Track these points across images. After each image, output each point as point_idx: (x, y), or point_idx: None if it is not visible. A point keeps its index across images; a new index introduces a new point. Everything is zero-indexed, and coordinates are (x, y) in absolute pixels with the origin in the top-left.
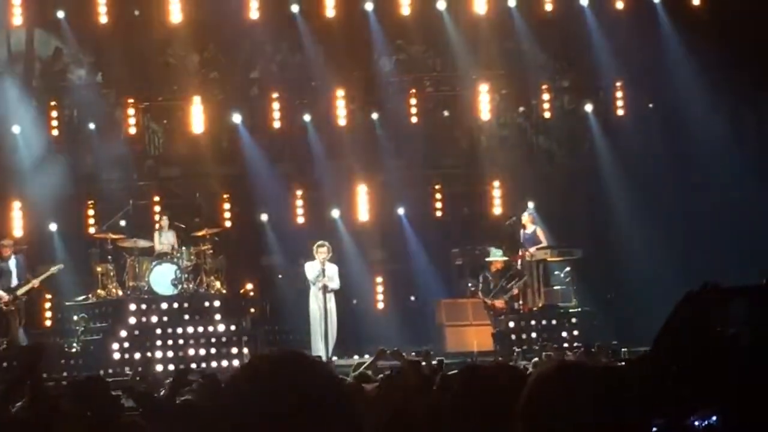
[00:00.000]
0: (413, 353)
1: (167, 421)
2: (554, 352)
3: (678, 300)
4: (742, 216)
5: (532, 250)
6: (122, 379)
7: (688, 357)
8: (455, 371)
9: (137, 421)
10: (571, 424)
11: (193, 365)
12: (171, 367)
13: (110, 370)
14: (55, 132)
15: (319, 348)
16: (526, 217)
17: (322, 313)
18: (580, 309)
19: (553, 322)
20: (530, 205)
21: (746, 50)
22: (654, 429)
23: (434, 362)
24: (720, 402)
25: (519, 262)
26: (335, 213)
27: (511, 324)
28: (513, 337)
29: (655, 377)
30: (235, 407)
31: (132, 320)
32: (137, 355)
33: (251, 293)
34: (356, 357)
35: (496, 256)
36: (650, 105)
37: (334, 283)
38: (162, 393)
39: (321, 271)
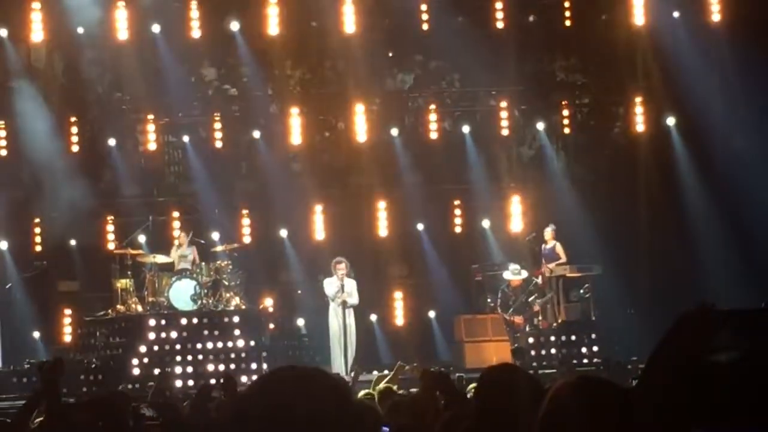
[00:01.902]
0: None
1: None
2: (574, 368)
3: (674, 320)
4: (764, 232)
5: (551, 265)
6: (142, 395)
7: (681, 380)
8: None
9: None
10: None
11: (213, 381)
12: (190, 382)
13: (130, 386)
14: (74, 147)
15: (338, 364)
16: (547, 233)
17: (341, 328)
18: (599, 325)
19: (573, 338)
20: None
21: (766, 65)
22: None
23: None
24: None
25: (539, 277)
26: (354, 228)
27: (531, 340)
28: (533, 353)
29: (647, 400)
30: (247, 422)
31: (151, 336)
32: (156, 371)
33: (270, 309)
34: (375, 372)
35: (515, 272)
36: (670, 120)
37: (353, 299)
38: (185, 405)
39: (340, 287)
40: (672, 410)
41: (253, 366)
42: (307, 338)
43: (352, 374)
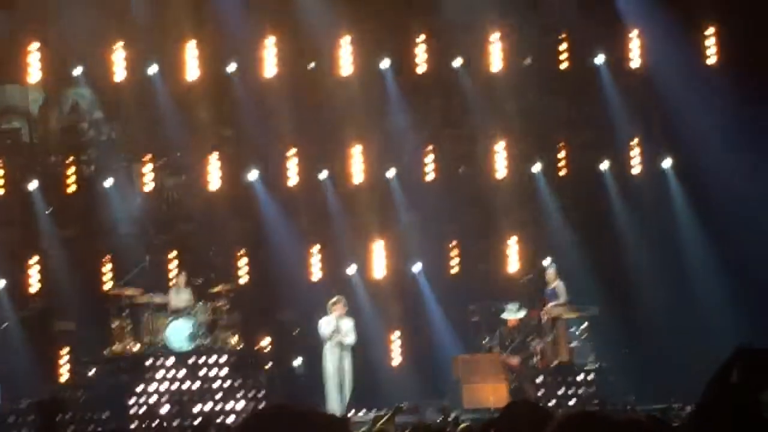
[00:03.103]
0: (430, 408)
1: None
2: (571, 408)
3: (729, 356)
4: (762, 271)
5: (548, 306)
6: None
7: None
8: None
9: None
10: None
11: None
12: (187, 422)
13: (126, 425)
14: (72, 187)
15: (334, 405)
16: (550, 273)
17: (337, 369)
18: (597, 365)
19: (570, 378)
20: (547, 261)
21: (763, 105)
22: None
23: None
24: None
25: (537, 318)
26: (351, 269)
27: (529, 380)
28: (530, 393)
29: None
30: None
31: (148, 375)
32: (153, 410)
33: (267, 349)
34: (374, 411)
35: (512, 313)
36: (666, 162)
37: (350, 338)
38: None
39: (336, 326)
40: None
41: (250, 406)
42: (304, 378)
43: (350, 414)
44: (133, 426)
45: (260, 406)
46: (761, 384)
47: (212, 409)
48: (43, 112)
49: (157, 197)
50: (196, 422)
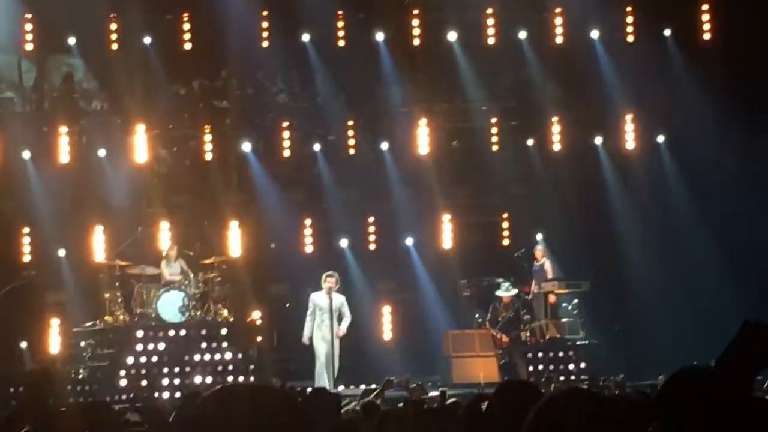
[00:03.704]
0: (417, 383)
1: None
2: (561, 384)
3: (738, 329)
4: (752, 249)
5: (540, 282)
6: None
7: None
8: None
9: None
10: None
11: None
12: (177, 394)
13: (117, 397)
14: (65, 158)
15: (324, 378)
16: (538, 250)
17: (328, 343)
18: (587, 342)
19: (560, 354)
20: (539, 237)
21: (756, 83)
22: None
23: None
24: None
25: (528, 294)
26: (344, 242)
27: (519, 356)
28: (521, 369)
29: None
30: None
31: (139, 347)
32: (144, 382)
33: (258, 322)
34: (362, 386)
35: (505, 289)
36: (660, 138)
37: (347, 318)
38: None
39: (329, 302)
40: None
41: (241, 378)
42: (295, 351)
43: (340, 388)
44: (123, 397)
45: (251, 379)
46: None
47: (203, 381)
48: (36, 83)
49: (149, 169)
50: (186, 394)
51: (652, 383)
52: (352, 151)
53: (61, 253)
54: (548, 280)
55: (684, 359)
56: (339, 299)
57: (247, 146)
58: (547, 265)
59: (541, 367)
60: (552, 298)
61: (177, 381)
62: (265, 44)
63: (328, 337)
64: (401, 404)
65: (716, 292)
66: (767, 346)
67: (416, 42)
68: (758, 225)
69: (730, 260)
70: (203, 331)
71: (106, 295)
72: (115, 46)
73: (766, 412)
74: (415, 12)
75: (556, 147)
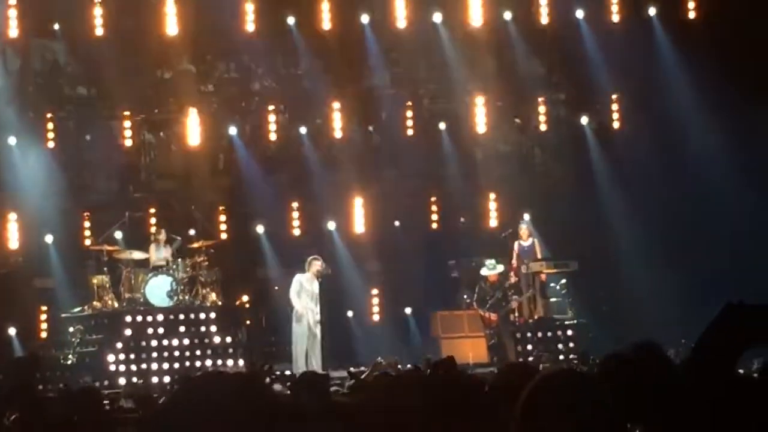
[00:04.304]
0: (409, 366)
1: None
2: (551, 364)
3: (718, 312)
4: (738, 228)
5: (528, 262)
6: (117, 391)
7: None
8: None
9: None
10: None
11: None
12: (167, 378)
13: (106, 382)
14: (51, 144)
15: (302, 362)
16: (523, 229)
17: (315, 326)
18: (575, 321)
19: (549, 334)
20: (526, 217)
21: (740, 63)
22: None
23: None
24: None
25: (514, 274)
26: (331, 225)
27: (508, 336)
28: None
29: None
30: (168, 415)
31: (128, 332)
32: (133, 367)
33: (247, 305)
34: (352, 369)
35: (492, 269)
36: (645, 117)
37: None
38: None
39: (317, 284)
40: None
41: (230, 362)
42: (283, 334)
43: (329, 371)
44: (112, 382)
45: (240, 363)
46: (749, 340)
47: (192, 365)
48: (21, 68)
49: (136, 153)
50: (175, 378)
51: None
52: (338, 134)
53: (49, 239)
54: (537, 259)
55: (673, 337)
56: (317, 285)
57: (233, 130)
58: (536, 244)
59: (530, 347)
60: (543, 277)
61: (166, 366)
62: (250, 27)
63: (312, 321)
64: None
65: (704, 269)
66: (750, 329)
67: (402, 24)
68: (743, 202)
69: (716, 238)
70: (192, 315)
71: (94, 281)
72: (99, 32)
73: (751, 390)
74: None
75: (543, 127)
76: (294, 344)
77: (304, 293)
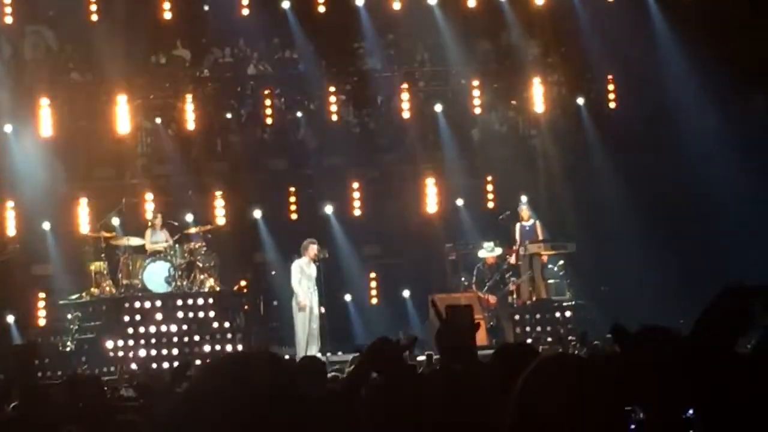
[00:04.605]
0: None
1: (165, 413)
2: (549, 345)
3: (718, 292)
4: (735, 208)
5: (526, 243)
6: (113, 378)
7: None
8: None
9: (133, 420)
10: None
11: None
12: (165, 364)
13: (105, 369)
14: (47, 130)
15: (303, 347)
16: (524, 210)
17: (312, 312)
18: (574, 302)
19: (548, 315)
20: (524, 198)
21: (736, 44)
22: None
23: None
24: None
25: (513, 256)
26: (328, 209)
27: (506, 318)
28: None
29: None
30: (193, 412)
31: (126, 318)
32: (131, 353)
33: (245, 290)
34: (351, 353)
35: (489, 249)
36: (641, 98)
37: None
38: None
39: (316, 268)
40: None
41: (228, 347)
42: (281, 319)
43: (328, 354)
44: (111, 369)
45: (238, 348)
46: (748, 322)
47: (191, 351)
48: (16, 53)
49: (132, 139)
50: (174, 365)
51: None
52: (334, 118)
53: (46, 226)
54: (535, 241)
55: (670, 318)
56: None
57: (229, 115)
58: (538, 225)
59: (528, 328)
60: (544, 259)
61: (164, 351)
62: (245, 12)
63: (312, 305)
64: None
65: (701, 250)
66: (751, 312)
67: (397, 6)
68: (739, 182)
69: (713, 218)
70: (190, 301)
71: (92, 267)
72: (94, 17)
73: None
74: None
75: (539, 109)
76: (297, 330)
77: (304, 279)
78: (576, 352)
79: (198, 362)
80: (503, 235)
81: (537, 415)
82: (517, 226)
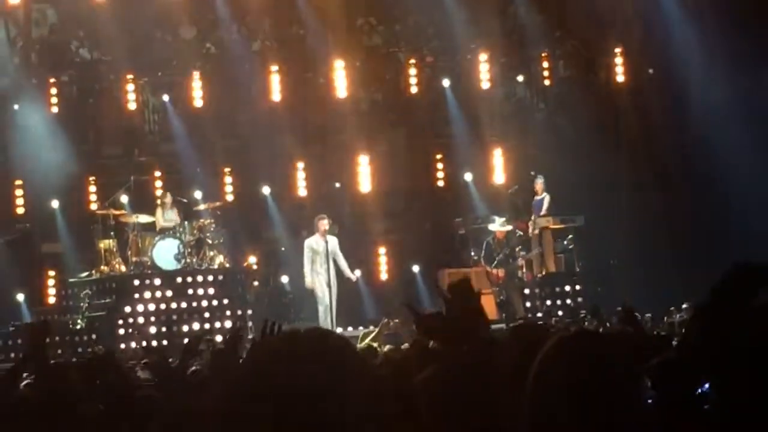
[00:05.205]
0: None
1: (182, 391)
2: (560, 319)
3: (724, 272)
4: (744, 182)
5: (535, 218)
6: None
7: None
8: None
9: (152, 395)
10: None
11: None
12: (175, 342)
13: (116, 346)
14: (55, 109)
15: (327, 322)
16: (539, 185)
17: (329, 287)
18: (583, 276)
19: (557, 289)
20: (539, 175)
21: (746, 16)
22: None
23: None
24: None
25: (523, 230)
26: (337, 184)
27: (516, 292)
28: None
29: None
30: (252, 384)
31: (136, 295)
32: (143, 330)
33: (254, 266)
34: (361, 328)
35: (500, 225)
36: (650, 71)
37: (342, 259)
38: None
39: (325, 244)
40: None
41: (238, 324)
42: (292, 295)
43: (338, 329)
44: (121, 347)
45: (248, 325)
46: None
47: (201, 328)
48: (23, 33)
49: (140, 117)
50: (184, 342)
51: (650, 316)
52: (342, 93)
53: (55, 204)
54: (543, 214)
55: (680, 292)
56: (333, 241)
57: (236, 92)
58: (546, 199)
59: (538, 302)
60: (551, 233)
61: (174, 328)
62: None
63: (328, 280)
64: (404, 346)
65: (709, 224)
66: (757, 290)
67: None
68: (746, 157)
69: (721, 192)
70: (199, 278)
71: (101, 245)
72: None
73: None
74: None
75: (547, 83)
76: (319, 305)
77: (317, 258)
78: (587, 325)
79: (208, 338)
80: (512, 209)
81: (556, 391)
82: (534, 199)
